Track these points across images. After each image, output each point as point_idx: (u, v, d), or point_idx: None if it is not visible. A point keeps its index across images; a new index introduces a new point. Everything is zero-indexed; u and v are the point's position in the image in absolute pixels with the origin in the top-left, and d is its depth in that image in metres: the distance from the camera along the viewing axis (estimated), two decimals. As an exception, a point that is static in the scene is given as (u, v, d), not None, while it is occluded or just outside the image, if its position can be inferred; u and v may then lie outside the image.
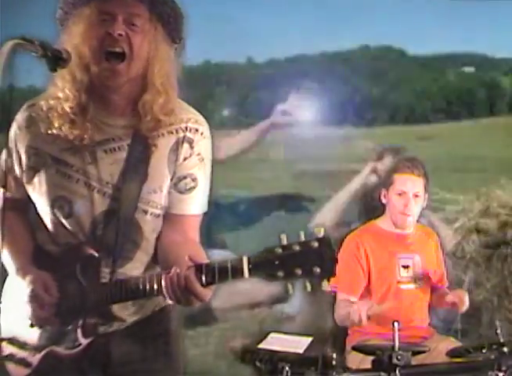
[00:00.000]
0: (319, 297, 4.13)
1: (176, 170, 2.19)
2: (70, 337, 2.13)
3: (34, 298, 2.13)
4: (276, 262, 1.83)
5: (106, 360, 2.22)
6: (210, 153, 2.25)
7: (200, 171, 2.22)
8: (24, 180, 2.22)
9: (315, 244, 1.82)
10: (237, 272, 1.87)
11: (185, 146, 2.18)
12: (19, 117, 2.21)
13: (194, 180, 2.21)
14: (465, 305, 3.55)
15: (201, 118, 2.24)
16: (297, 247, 1.83)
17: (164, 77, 2.14)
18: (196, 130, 2.20)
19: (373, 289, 3.68)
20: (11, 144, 2.20)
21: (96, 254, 2.14)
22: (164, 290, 1.98)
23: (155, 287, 2.01)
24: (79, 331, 2.12)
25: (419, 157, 3.82)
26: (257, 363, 3.02)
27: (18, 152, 2.21)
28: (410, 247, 3.76)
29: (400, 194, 3.66)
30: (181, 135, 2.18)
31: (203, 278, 1.92)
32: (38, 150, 2.18)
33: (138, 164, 2.15)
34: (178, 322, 2.37)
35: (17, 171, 2.23)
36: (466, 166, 4.69)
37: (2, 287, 2.25)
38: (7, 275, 2.24)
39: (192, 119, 2.21)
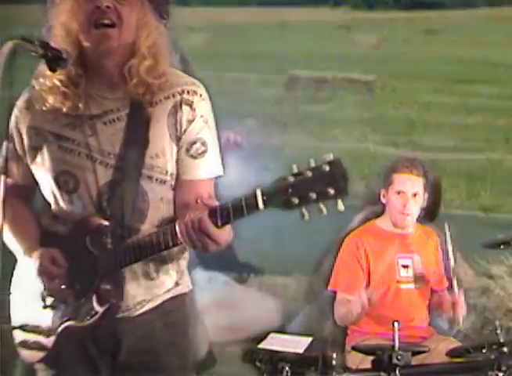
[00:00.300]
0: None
1: (184, 135, 2.18)
2: (85, 308, 2.15)
3: (43, 271, 2.15)
4: (290, 190, 1.83)
5: (117, 349, 2.23)
6: (212, 114, 2.24)
7: (207, 134, 2.21)
8: (28, 161, 2.25)
9: (327, 168, 1.83)
10: (252, 206, 1.87)
11: (186, 108, 2.17)
12: (20, 101, 2.24)
13: (204, 144, 2.20)
14: (463, 308, 3.56)
15: (197, 82, 2.23)
16: (309, 173, 1.83)
17: (152, 43, 2.15)
18: (195, 92, 2.19)
19: (373, 289, 3.67)
20: (13, 128, 2.22)
21: (105, 223, 2.15)
22: (180, 235, 1.99)
23: (169, 238, 2.03)
24: (94, 299, 2.14)
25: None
26: (257, 363, 3.02)
27: (20, 134, 2.24)
28: (410, 246, 3.76)
29: (399, 194, 3.67)
30: (178, 98, 2.17)
31: (219, 219, 1.93)
32: (38, 129, 2.21)
33: (138, 132, 2.16)
34: (192, 311, 2.39)
35: (20, 153, 2.25)
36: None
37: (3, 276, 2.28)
38: (10, 264, 2.25)
39: (188, 82, 2.21)
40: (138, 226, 2.18)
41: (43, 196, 2.27)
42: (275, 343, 3.06)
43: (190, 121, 2.18)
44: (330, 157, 1.84)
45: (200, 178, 2.21)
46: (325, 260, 3.98)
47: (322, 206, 1.82)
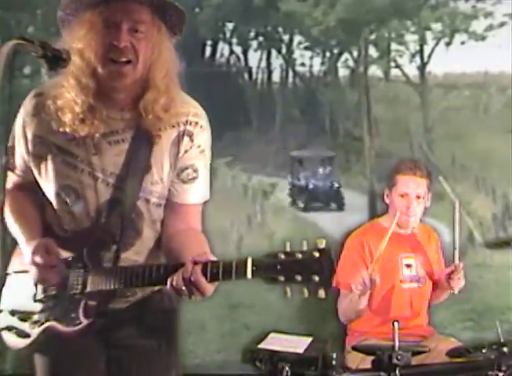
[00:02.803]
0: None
1: (178, 161, 2.26)
2: (71, 314, 2.20)
3: (36, 259, 2.18)
4: (278, 267, 1.93)
5: (107, 339, 2.30)
6: (209, 144, 2.32)
7: (201, 162, 2.30)
8: (31, 165, 2.29)
9: (317, 254, 1.92)
10: (240, 274, 1.96)
11: (186, 139, 2.26)
12: (28, 105, 2.27)
13: (195, 171, 2.29)
14: (460, 279, 3.55)
15: (200, 111, 2.30)
16: (299, 255, 1.93)
17: (166, 77, 2.21)
18: (196, 123, 2.26)
19: (376, 287, 3.67)
20: (19, 130, 2.27)
21: (102, 240, 2.22)
22: (169, 281, 2.04)
23: (159, 276, 2.08)
24: (81, 309, 2.19)
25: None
26: (257, 363, 3.02)
27: (26, 138, 2.27)
28: (412, 246, 3.77)
29: (402, 196, 3.67)
30: (181, 128, 2.25)
31: (209, 276, 2.00)
32: (44, 138, 2.25)
33: (140, 156, 2.22)
34: (177, 301, 2.41)
35: (25, 155, 2.29)
36: None
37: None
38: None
39: (192, 112, 2.27)
40: (132, 242, 2.28)
41: (45, 196, 2.31)
42: (275, 343, 3.06)
43: (187, 151, 2.26)
44: (322, 243, 1.94)
45: (188, 202, 2.31)
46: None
47: (305, 289, 1.93)
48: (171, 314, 2.41)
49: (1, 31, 4.57)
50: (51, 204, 2.29)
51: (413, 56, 4.81)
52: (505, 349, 3.05)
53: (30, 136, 2.26)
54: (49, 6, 4.73)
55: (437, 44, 4.78)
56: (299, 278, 1.92)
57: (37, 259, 2.16)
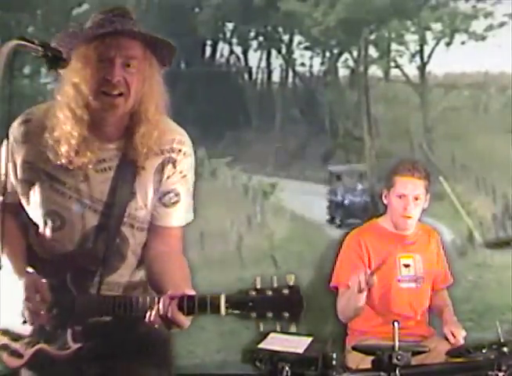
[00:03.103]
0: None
1: (161, 187, 2.34)
2: (60, 339, 2.25)
3: (27, 300, 2.22)
4: (250, 304, 2.03)
5: (98, 362, 2.33)
6: (193, 169, 2.40)
7: (183, 187, 2.37)
8: (19, 191, 2.34)
9: (286, 291, 2.02)
10: (215, 309, 2.05)
11: (169, 166, 2.33)
12: (16, 131, 2.31)
13: (177, 195, 2.37)
14: (459, 341, 3.55)
15: (184, 138, 2.38)
16: (269, 292, 2.02)
17: (157, 110, 2.29)
18: (179, 150, 2.34)
19: (374, 287, 3.68)
20: (7, 157, 2.28)
21: (87, 265, 2.28)
22: (147, 316, 2.12)
23: (139, 309, 2.16)
24: (69, 336, 2.24)
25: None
26: (257, 363, 3.02)
27: (14, 164, 2.32)
28: (411, 246, 3.76)
29: (400, 197, 3.67)
30: (166, 155, 2.33)
31: (185, 310, 2.08)
32: (33, 164, 2.30)
33: (126, 184, 2.30)
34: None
35: (13, 180, 2.33)
36: None
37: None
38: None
39: (177, 140, 2.35)
40: (118, 266, 2.35)
41: (30, 219, 2.36)
42: (275, 343, 3.05)
43: (169, 176, 2.34)
44: (292, 280, 2.02)
45: (170, 225, 2.38)
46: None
47: (277, 325, 2.03)
48: (162, 335, 2.38)
49: (1, 31, 4.58)
50: (35, 225, 2.34)
51: (413, 56, 4.81)
52: (505, 349, 3.05)
53: (19, 162, 2.31)
54: (49, 6, 4.74)
55: (437, 44, 4.78)
56: (270, 315, 2.01)
57: (28, 303, 2.22)
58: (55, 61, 1.95)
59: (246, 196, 4.77)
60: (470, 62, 4.69)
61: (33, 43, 1.86)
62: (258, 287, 2.04)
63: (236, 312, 2.04)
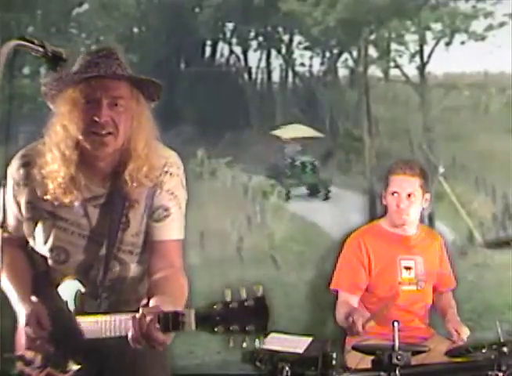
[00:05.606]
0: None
1: (151, 208, 2.43)
2: (61, 361, 2.35)
3: (28, 329, 2.32)
4: (217, 318, 1.95)
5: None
6: (183, 188, 2.48)
7: (172, 202, 2.46)
8: (25, 228, 2.47)
9: (251, 303, 1.92)
10: (186, 326, 2.02)
11: (158, 190, 2.44)
12: (16, 176, 2.43)
13: (166, 210, 2.45)
14: (463, 338, 3.56)
15: (172, 158, 2.46)
16: (235, 305, 1.93)
17: (146, 146, 2.36)
18: (166, 172, 2.43)
19: (374, 289, 3.69)
20: (11, 197, 2.44)
21: (93, 292, 2.41)
22: (129, 335, 2.12)
23: (123, 332, 2.17)
24: (68, 357, 2.35)
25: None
26: (257, 363, 3.02)
27: (18, 204, 2.45)
28: (413, 248, 3.78)
29: (393, 194, 3.73)
30: (155, 180, 2.41)
31: (162, 327, 2.07)
32: (35, 204, 2.42)
33: (121, 215, 2.41)
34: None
35: (19, 217, 2.47)
36: None
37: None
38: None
39: (168, 163, 2.44)
40: (121, 288, 2.49)
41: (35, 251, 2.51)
42: (275, 343, 3.06)
43: (157, 196, 2.44)
44: (259, 291, 1.94)
45: (164, 238, 2.46)
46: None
47: (245, 340, 1.93)
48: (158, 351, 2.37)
49: (1, 31, 4.57)
50: (42, 257, 2.48)
51: (413, 56, 4.80)
52: (505, 349, 3.05)
53: (23, 203, 2.44)
54: (49, 6, 4.74)
55: (437, 44, 4.77)
56: (236, 328, 1.93)
57: (29, 331, 2.31)
58: (55, 61, 1.95)
59: (246, 196, 4.76)
60: (469, 62, 4.69)
61: (33, 43, 1.86)
62: (227, 299, 1.96)
63: (204, 327, 1.99)
